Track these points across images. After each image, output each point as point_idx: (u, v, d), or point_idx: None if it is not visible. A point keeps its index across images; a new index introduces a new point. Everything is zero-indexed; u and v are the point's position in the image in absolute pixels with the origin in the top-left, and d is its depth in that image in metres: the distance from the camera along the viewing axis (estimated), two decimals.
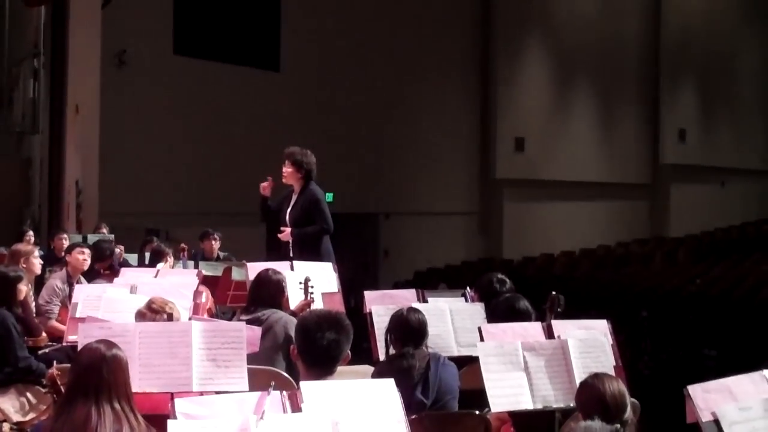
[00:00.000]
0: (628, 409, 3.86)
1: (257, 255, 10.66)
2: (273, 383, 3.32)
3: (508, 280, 6.26)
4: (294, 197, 7.97)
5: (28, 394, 6.35)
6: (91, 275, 8.50)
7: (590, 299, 14.18)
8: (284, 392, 3.30)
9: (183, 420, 3.19)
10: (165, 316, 4.99)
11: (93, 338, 3.88)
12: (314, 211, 7.87)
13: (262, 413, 3.13)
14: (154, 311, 5.01)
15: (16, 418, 6.25)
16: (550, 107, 24.14)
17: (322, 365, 3.79)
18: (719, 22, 27.09)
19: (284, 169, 7.95)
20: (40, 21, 16.46)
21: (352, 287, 8.20)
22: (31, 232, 12.31)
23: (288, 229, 7.91)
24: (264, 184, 8.07)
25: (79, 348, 3.90)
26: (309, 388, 3.35)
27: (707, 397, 3.59)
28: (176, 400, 3.28)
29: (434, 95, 21.56)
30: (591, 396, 3.85)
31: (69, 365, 4.19)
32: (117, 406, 3.44)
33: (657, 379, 12.03)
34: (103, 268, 9.03)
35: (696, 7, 26.75)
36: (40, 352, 6.93)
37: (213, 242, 11.24)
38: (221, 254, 11.02)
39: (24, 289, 6.66)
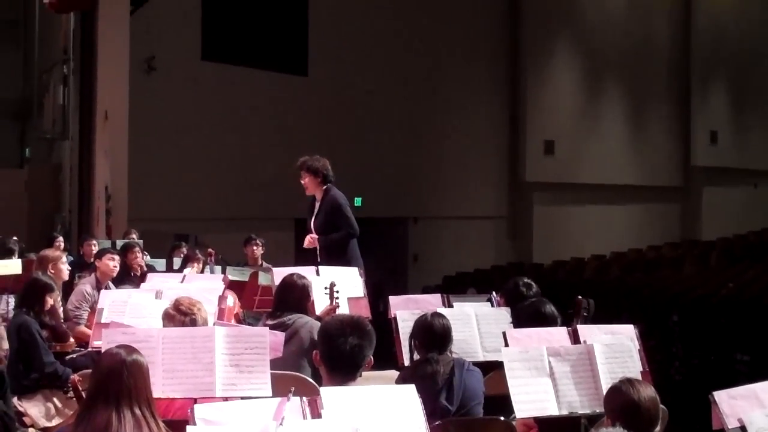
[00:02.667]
0: (660, 415, 3.77)
1: (286, 260, 10.68)
2: (293, 389, 3.30)
3: (534, 284, 6.20)
4: (317, 205, 7.92)
5: (55, 400, 6.39)
6: (118, 280, 8.53)
7: (621, 303, 14.07)
8: (304, 398, 3.28)
9: (203, 426, 3.18)
10: (193, 318, 4.95)
11: (116, 344, 3.87)
12: (338, 217, 7.81)
13: (281, 419, 3.11)
14: (183, 313, 4.95)
15: (43, 423, 6.28)
16: (579, 109, 24.00)
17: (344, 371, 3.76)
18: (750, 23, 26.83)
19: (303, 181, 7.88)
20: (69, 27, 16.62)
21: (381, 292, 8.18)
22: (61, 238, 12.40)
23: (312, 236, 7.86)
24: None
25: None
26: (329, 394, 3.33)
27: (733, 403, 3.53)
28: (196, 406, 3.26)
29: (463, 98, 21.50)
30: (623, 403, 3.71)
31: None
32: (137, 411, 3.43)
33: (688, 385, 11.92)
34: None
35: (727, 7, 26.51)
36: (67, 357, 6.96)
37: (255, 248, 10.89)
38: (264, 264, 10.49)
39: (51, 302, 6.70)
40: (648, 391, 3.75)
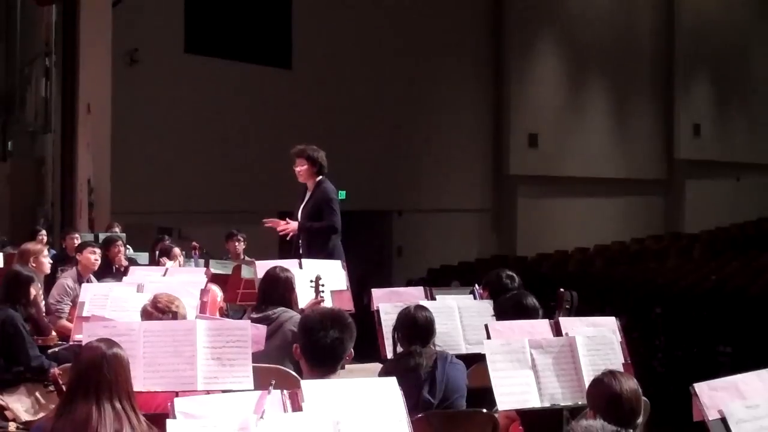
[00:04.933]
0: (642, 407, 3.78)
1: (270, 254, 10.64)
2: (273, 382, 3.29)
3: (516, 277, 6.21)
4: (308, 194, 7.95)
5: (37, 394, 6.35)
6: (100, 274, 8.50)
7: (604, 296, 14.12)
8: (285, 391, 3.27)
9: (182, 419, 3.16)
10: (170, 316, 4.95)
11: (97, 337, 3.86)
12: (325, 209, 7.84)
13: (262, 412, 3.10)
14: (160, 311, 4.97)
15: (26, 417, 6.24)
16: (563, 103, 24.04)
17: (325, 364, 3.76)
18: (734, 17, 26.91)
19: (298, 168, 7.90)
20: (51, 20, 16.52)
21: (365, 285, 8.18)
22: (43, 231, 12.35)
23: (289, 223, 7.87)
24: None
25: None
26: (310, 387, 3.32)
27: (714, 395, 3.53)
28: (176, 400, 3.25)
29: (447, 92, 21.49)
30: (605, 395, 3.75)
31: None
32: (118, 405, 3.42)
33: (671, 377, 11.97)
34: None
35: (710, 1, 26.59)
36: (49, 351, 6.93)
37: (237, 243, 10.92)
38: (247, 258, 10.38)
39: (34, 292, 6.67)
40: (630, 383, 3.77)
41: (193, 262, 10.29)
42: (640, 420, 3.78)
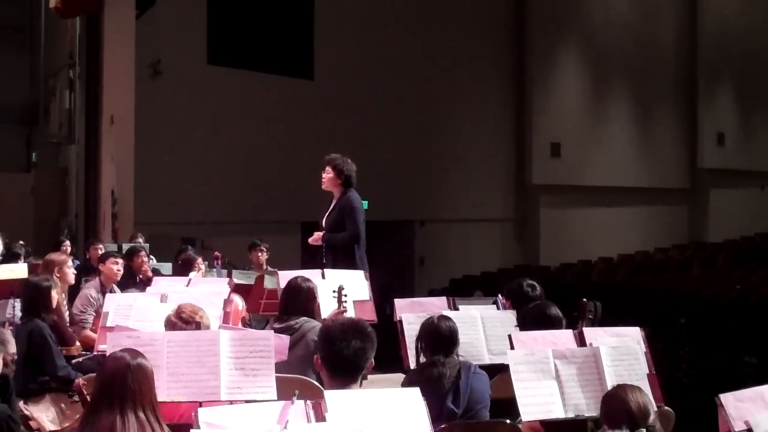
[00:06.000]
0: (652, 415, 3.82)
1: (293, 264, 10.65)
2: (297, 392, 3.29)
3: (538, 286, 6.19)
4: (333, 203, 7.97)
5: (62, 404, 6.38)
6: (124, 284, 8.53)
7: (628, 306, 14.01)
8: (308, 401, 3.27)
9: (206, 429, 3.17)
10: (194, 326, 4.97)
11: (121, 347, 3.88)
12: (347, 218, 7.85)
13: (285, 423, 3.10)
14: (184, 321, 4.98)
15: (50, 427, 6.27)
16: (586, 112, 23.96)
17: (346, 374, 3.75)
18: (756, 24, 26.75)
19: (324, 175, 7.95)
20: (75, 32, 16.68)
21: (388, 295, 8.17)
22: (68, 242, 12.44)
23: (318, 234, 7.91)
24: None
25: None
26: (333, 397, 3.32)
27: (740, 405, 3.51)
28: (200, 410, 3.26)
29: (469, 101, 21.49)
30: (614, 405, 3.85)
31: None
32: (142, 415, 3.43)
33: (696, 387, 11.88)
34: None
35: (733, 8, 26.46)
36: (73, 361, 6.96)
37: (260, 254, 10.86)
38: (270, 268, 10.27)
39: (56, 297, 6.70)
40: (636, 391, 3.88)
41: (216, 273, 10.30)
42: (653, 420, 3.79)
